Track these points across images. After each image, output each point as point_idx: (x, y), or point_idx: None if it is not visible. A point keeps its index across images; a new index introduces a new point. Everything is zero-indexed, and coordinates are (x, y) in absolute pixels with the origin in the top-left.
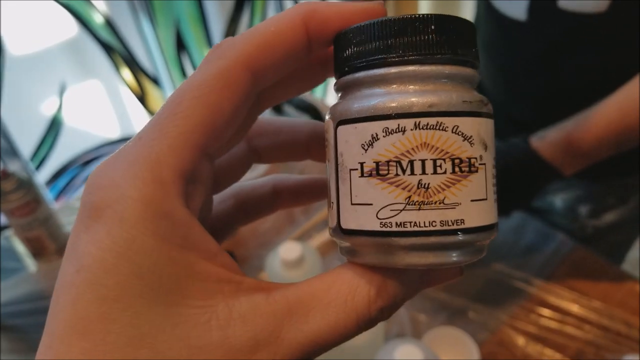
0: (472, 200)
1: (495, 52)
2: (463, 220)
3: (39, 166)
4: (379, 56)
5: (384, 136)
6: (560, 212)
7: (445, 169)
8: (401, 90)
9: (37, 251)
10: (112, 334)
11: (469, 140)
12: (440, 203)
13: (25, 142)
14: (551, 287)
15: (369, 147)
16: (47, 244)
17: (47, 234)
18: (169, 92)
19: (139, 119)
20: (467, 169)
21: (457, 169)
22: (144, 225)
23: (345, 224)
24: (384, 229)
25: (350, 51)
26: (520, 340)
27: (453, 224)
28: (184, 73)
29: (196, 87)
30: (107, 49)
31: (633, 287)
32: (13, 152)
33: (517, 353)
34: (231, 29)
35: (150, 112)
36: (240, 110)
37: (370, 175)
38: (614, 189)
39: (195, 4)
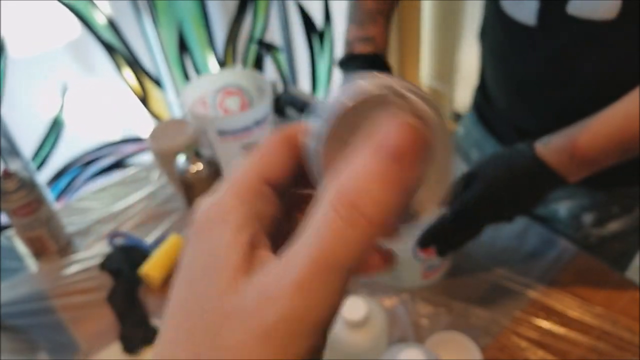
0: None
1: (503, 58)
2: None
3: (40, 166)
4: None
5: None
6: (564, 221)
7: None
8: None
9: (39, 251)
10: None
11: None
12: None
13: (27, 142)
14: (554, 293)
15: None
16: (49, 244)
17: (48, 234)
18: (171, 93)
19: (140, 121)
20: None
21: None
22: (218, 217)
23: None
24: None
25: None
26: (523, 346)
27: None
28: (186, 75)
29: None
30: (110, 49)
31: (635, 294)
32: (14, 151)
33: (519, 358)
34: (234, 31)
35: (152, 113)
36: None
37: None
38: (619, 198)
39: (198, 5)
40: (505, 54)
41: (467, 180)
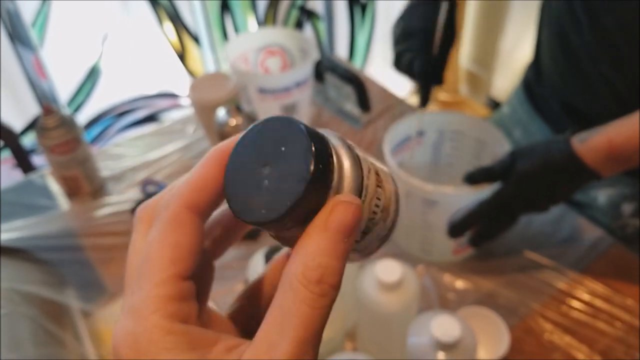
0: None
1: (561, 31)
2: None
3: (74, 112)
4: None
5: None
6: (603, 209)
7: None
8: None
9: (72, 191)
10: None
11: None
12: None
13: (65, 87)
14: (585, 282)
15: None
16: (83, 184)
17: (83, 175)
18: (209, 52)
19: (176, 77)
20: None
21: None
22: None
23: None
24: None
25: None
26: (549, 329)
27: None
28: (225, 34)
29: (157, 235)
30: (153, 2)
31: None
32: (52, 96)
33: (544, 342)
34: None
35: (189, 70)
36: (198, 238)
37: None
38: None
39: None
40: (563, 27)
41: (501, 169)
